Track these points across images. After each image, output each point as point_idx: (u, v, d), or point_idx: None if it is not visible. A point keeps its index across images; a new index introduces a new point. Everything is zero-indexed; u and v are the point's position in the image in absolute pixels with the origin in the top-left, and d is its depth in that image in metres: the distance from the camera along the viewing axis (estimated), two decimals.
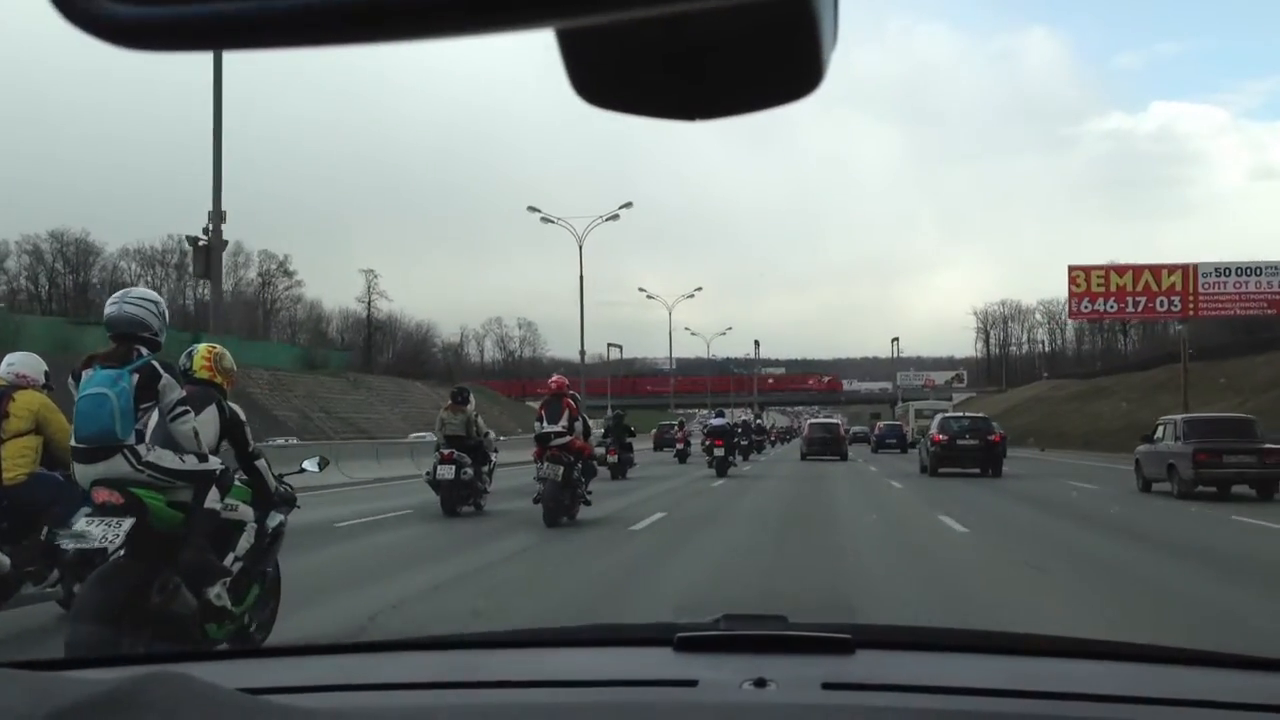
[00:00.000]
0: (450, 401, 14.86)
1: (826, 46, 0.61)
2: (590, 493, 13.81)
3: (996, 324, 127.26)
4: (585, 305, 47.19)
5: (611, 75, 0.63)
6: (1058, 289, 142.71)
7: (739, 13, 0.57)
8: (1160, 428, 20.14)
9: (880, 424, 60.79)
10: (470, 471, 14.08)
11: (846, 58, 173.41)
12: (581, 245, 47.56)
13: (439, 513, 13.96)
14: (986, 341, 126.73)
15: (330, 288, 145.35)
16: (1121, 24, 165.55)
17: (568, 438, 12.96)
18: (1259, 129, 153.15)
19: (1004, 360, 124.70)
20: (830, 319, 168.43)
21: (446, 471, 13.89)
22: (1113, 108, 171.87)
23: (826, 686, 1.47)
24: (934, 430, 27.82)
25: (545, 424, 13.12)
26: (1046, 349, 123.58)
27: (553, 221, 48.07)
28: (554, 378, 13.93)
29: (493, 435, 15.59)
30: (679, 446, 36.86)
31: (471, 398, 15.00)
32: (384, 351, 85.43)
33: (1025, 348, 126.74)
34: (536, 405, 14.30)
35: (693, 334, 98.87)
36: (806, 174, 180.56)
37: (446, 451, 14.08)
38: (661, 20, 0.57)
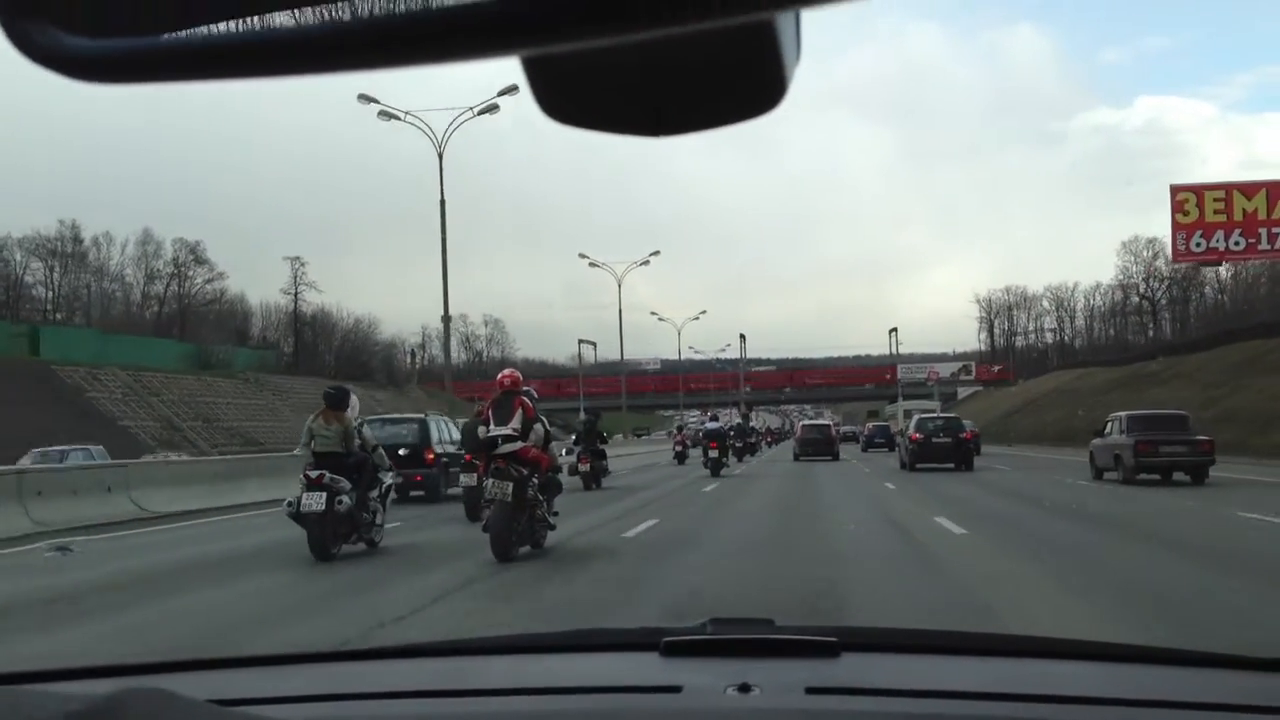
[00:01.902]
0: (324, 405, 11.61)
1: (789, 63, 0.62)
2: (555, 514, 11.42)
3: (1001, 312, 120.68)
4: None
5: (576, 94, 0.64)
6: (1060, 277, 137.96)
7: (702, 32, 0.56)
8: (1109, 423, 23.46)
9: (869, 425, 64.73)
10: (348, 499, 10.88)
11: (837, 58, 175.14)
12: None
13: (307, 556, 10.76)
14: (990, 331, 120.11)
15: (255, 280, 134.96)
16: (1106, 19, 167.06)
17: (519, 444, 10.45)
18: (1246, 121, 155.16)
19: (1010, 351, 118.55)
20: (824, 318, 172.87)
21: (314, 500, 10.69)
22: (1100, 102, 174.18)
23: (810, 691, 1.51)
24: (911, 430, 30.72)
25: (491, 427, 10.58)
26: (1056, 338, 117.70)
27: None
28: (504, 371, 11.49)
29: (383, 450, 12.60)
30: (677, 449, 38.45)
31: (354, 400, 11.90)
32: (319, 351, 73.91)
33: (1032, 337, 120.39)
34: (480, 407, 12.77)
35: (696, 352, 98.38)
36: (799, 174, 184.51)
37: (315, 474, 10.89)
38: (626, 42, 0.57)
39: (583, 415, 30.64)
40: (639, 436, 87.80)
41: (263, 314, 78.01)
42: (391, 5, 0.56)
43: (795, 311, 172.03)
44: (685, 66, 0.63)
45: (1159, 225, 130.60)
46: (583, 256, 52.33)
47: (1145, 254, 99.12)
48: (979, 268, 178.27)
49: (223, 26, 0.59)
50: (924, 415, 33.96)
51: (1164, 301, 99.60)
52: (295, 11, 0.59)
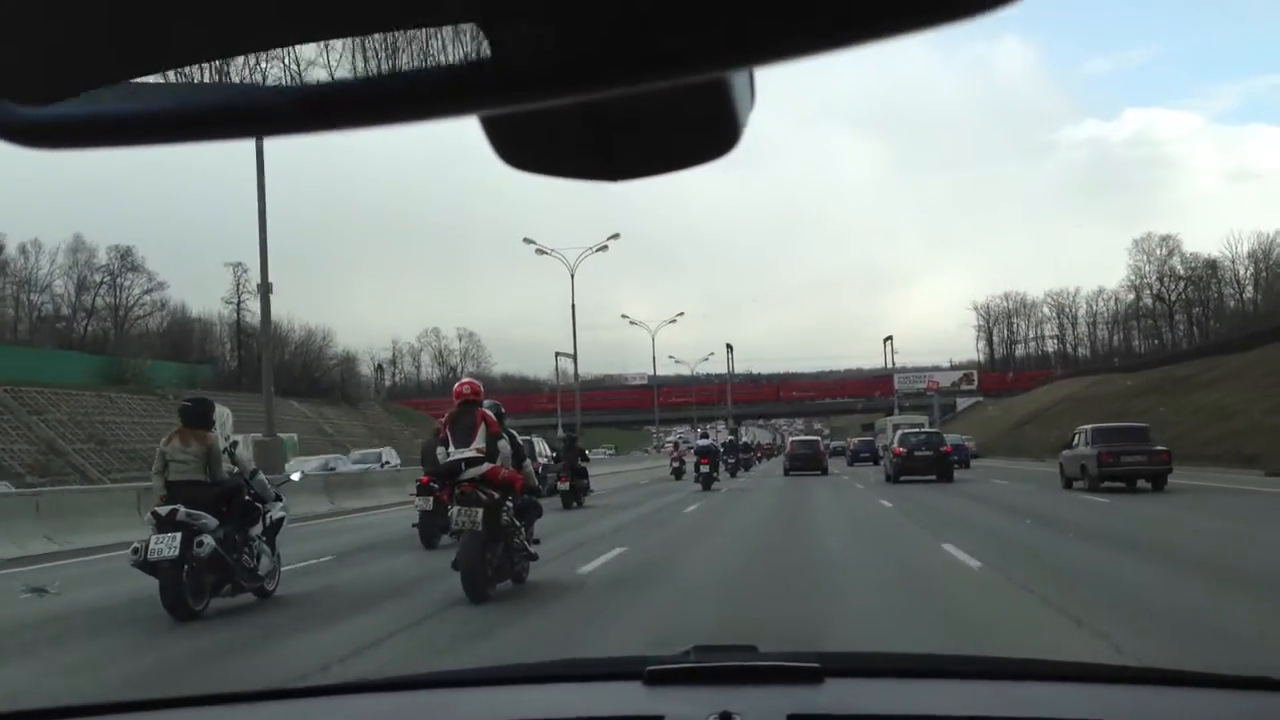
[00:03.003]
0: (180, 424, 9.51)
1: (742, 111, 0.65)
2: (537, 541, 10.36)
3: (1000, 320, 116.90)
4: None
5: (532, 141, 0.67)
6: (1057, 285, 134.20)
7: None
8: (1076, 436, 25.05)
9: (854, 440, 66.90)
10: (212, 540, 8.70)
11: (825, 71, 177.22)
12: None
13: (162, 615, 8.74)
14: (990, 340, 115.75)
15: (201, 290, 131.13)
16: (1090, 32, 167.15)
17: (485, 465, 9.20)
18: (1233, 132, 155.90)
19: (1010, 359, 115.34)
20: (817, 332, 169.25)
21: (166, 544, 8.60)
22: (1088, 114, 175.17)
23: (792, 718, 1.53)
24: (895, 445, 32.60)
25: (451, 448, 9.37)
26: (1058, 345, 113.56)
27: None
28: (462, 381, 10.10)
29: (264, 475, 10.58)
30: (675, 465, 39.34)
31: (223, 413, 9.69)
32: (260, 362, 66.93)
33: (1033, 345, 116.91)
34: (439, 424, 10.96)
35: (677, 361, 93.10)
36: (789, 187, 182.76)
37: (166, 510, 8.78)
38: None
39: (561, 432, 31.36)
40: (610, 454, 79.18)
41: (201, 326, 70.94)
42: (344, 71, 0.58)
43: (787, 324, 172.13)
44: (639, 116, 0.65)
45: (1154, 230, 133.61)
46: (528, 242, 49.28)
47: (1159, 252, 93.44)
48: (973, 279, 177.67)
49: (170, 92, 0.59)
50: (907, 430, 35.41)
51: (1179, 302, 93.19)
52: (256, 70, 0.60)
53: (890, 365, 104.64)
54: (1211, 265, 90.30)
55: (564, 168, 0.67)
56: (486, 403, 9.85)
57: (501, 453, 9.42)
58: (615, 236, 47.62)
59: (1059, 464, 26.29)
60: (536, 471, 11.86)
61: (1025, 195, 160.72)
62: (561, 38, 0.55)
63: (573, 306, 50.32)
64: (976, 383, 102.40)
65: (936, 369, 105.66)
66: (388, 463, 36.75)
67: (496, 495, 9.13)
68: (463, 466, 9.16)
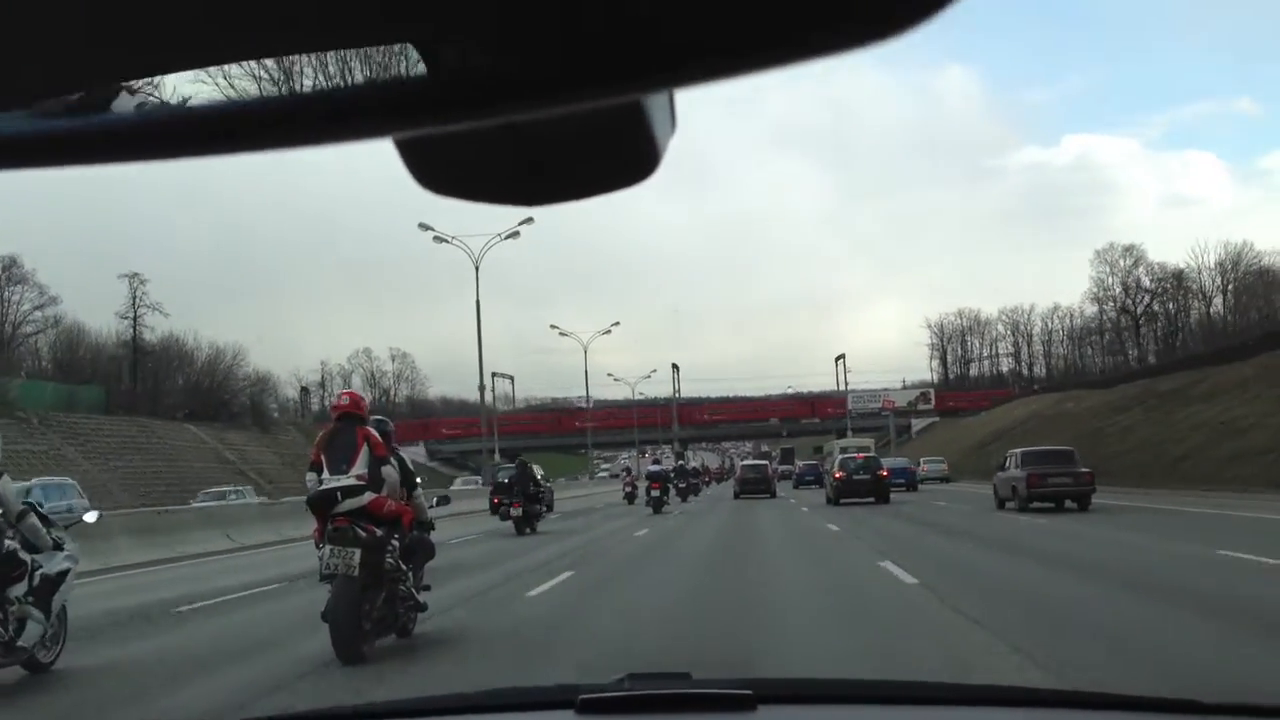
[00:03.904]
0: None
1: (661, 136, 0.66)
2: (427, 587, 9.13)
3: (954, 337, 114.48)
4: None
5: (449, 166, 0.67)
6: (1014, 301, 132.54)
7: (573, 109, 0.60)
8: (1008, 459, 26.51)
9: (801, 464, 68.27)
10: None
11: (771, 97, 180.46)
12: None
13: None
14: (944, 358, 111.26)
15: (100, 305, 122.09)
16: (1029, 61, 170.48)
17: (366, 495, 8.01)
18: (1168, 158, 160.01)
19: (964, 378, 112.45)
20: (767, 355, 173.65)
21: None
22: (1029, 141, 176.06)
23: None
24: (835, 469, 34.11)
25: (325, 474, 8.14)
26: (1014, 363, 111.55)
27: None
28: (342, 392, 9.64)
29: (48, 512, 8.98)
30: (627, 490, 40.66)
31: None
32: (164, 386, 60.46)
33: (988, 363, 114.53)
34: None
35: (615, 380, 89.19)
36: (738, 215, 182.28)
37: None
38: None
39: (497, 458, 32.80)
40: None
41: (93, 343, 64.25)
42: (258, 91, 0.58)
43: (736, 349, 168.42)
44: (557, 140, 0.65)
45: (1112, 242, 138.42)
46: (424, 228, 45.84)
47: (1122, 263, 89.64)
48: (923, 303, 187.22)
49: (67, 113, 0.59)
50: (846, 456, 37.12)
51: (1145, 315, 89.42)
52: (165, 89, 0.60)
53: (843, 385, 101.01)
54: (1178, 276, 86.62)
55: (481, 192, 0.67)
56: (372, 419, 8.68)
57: (388, 480, 8.27)
58: (528, 221, 44.58)
59: (993, 486, 27.79)
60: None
61: (972, 220, 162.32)
62: (476, 59, 0.55)
63: (477, 303, 45.84)
64: (933, 401, 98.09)
65: (889, 390, 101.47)
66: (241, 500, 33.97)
67: (379, 532, 8.00)
68: (338, 497, 7.97)
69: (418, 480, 9.34)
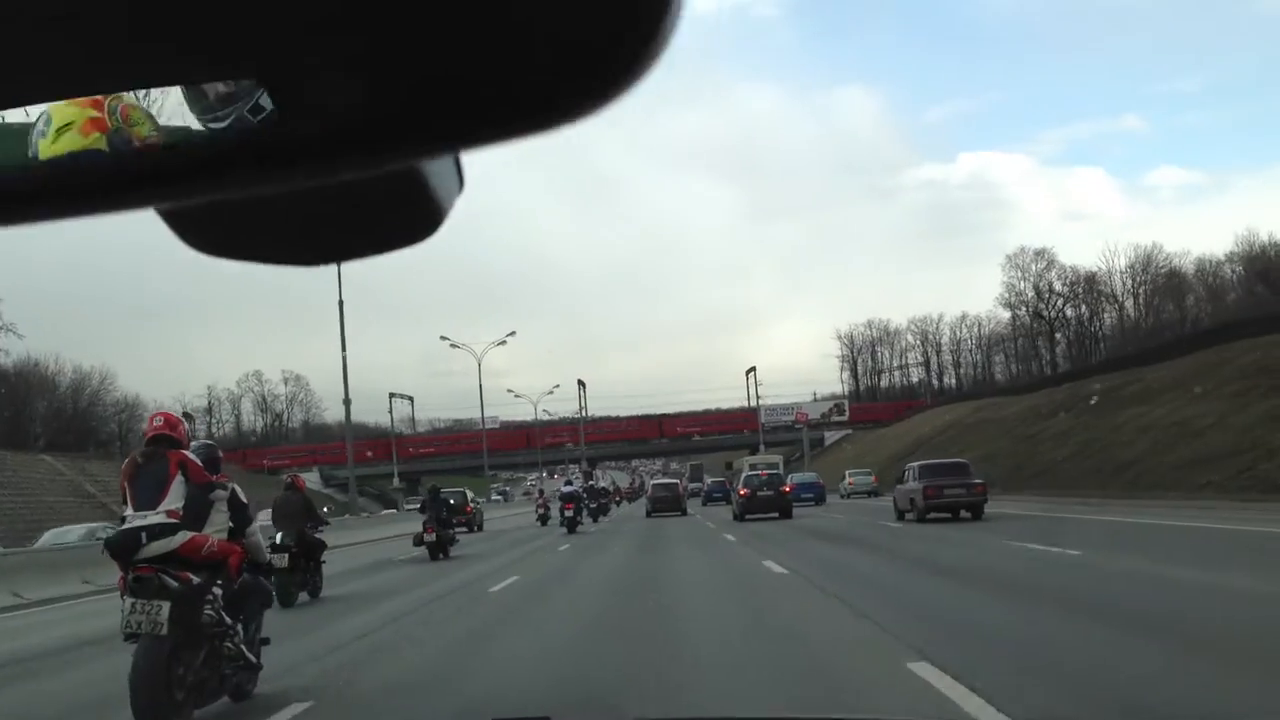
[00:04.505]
0: None
1: (444, 196, 0.67)
2: (265, 640, 7.90)
3: (864, 349, 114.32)
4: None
5: (227, 228, 0.67)
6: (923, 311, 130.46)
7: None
8: (906, 472, 27.60)
9: (709, 480, 68.91)
10: None
11: (674, 117, 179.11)
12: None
13: None
14: (854, 370, 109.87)
15: None
16: (925, 80, 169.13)
17: (181, 535, 6.81)
18: (1060, 175, 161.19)
19: (875, 389, 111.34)
20: (677, 373, 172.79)
21: None
22: (926, 159, 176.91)
23: None
24: (740, 487, 34.94)
25: (130, 509, 7.01)
26: (924, 372, 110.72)
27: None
28: (154, 414, 7.92)
29: None
30: (540, 511, 41.04)
31: None
32: (17, 414, 54.67)
33: (898, 374, 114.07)
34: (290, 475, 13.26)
35: (516, 396, 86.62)
36: (642, 234, 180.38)
37: None
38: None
39: (397, 481, 38.41)
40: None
41: None
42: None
43: (647, 367, 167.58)
44: (331, 201, 0.65)
45: (992, 276, 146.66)
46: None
47: (1034, 267, 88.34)
48: (831, 317, 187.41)
49: None
50: (750, 474, 37.80)
51: (1058, 319, 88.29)
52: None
53: (754, 399, 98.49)
54: (1090, 279, 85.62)
55: (264, 253, 0.67)
56: (199, 445, 7.70)
57: (214, 517, 7.25)
58: (513, 333, 45.37)
59: (893, 498, 28.78)
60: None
61: (877, 235, 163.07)
62: (243, 128, 0.56)
63: (340, 302, 41.12)
64: (847, 413, 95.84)
65: (801, 404, 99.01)
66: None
67: (195, 579, 6.78)
68: (142, 539, 6.68)
69: (254, 517, 8.08)
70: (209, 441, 8.39)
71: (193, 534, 6.81)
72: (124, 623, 6.60)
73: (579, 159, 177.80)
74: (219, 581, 7.10)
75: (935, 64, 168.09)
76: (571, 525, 32.45)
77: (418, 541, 22.96)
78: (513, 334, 65.14)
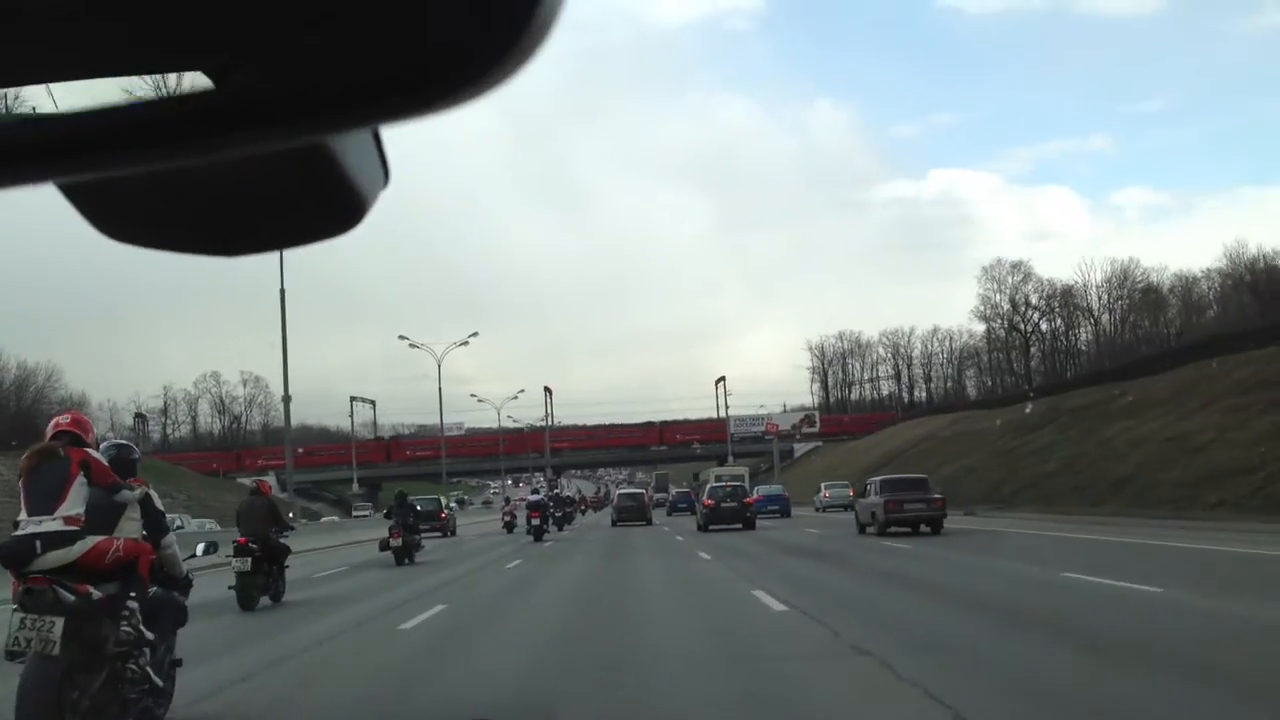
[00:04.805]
0: None
1: (366, 185, 0.66)
2: (178, 662, 7.11)
3: (835, 361, 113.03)
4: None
5: (139, 215, 0.66)
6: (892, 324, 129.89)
7: (262, 158, 0.59)
8: (868, 486, 28.20)
9: (674, 491, 70.27)
10: None
11: (648, 128, 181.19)
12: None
13: None
14: (824, 382, 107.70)
15: None
16: (894, 96, 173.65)
17: (83, 543, 6.18)
18: (1028, 193, 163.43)
19: (845, 402, 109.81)
20: (645, 382, 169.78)
21: None
22: (897, 174, 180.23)
23: None
24: (705, 497, 35.66)
25: (24, 517, 6.37)
26: (895, 385, 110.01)
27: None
28: (63, 412, 7.23)
29: None
30: (506, 519, 41.81)
31: None
32: None
33: (869, 387, 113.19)
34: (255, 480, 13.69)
35: (479, 400, 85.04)
36: (616, 242, 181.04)
37: None
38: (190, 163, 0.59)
39: (356, 487, 40.15)
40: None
41: None
42: None
43: (617, 377, 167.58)
44: (247, 189, 0.64)
45: (960, 293, 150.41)
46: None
47: (1010, 279, 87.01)
48: (801, 329, 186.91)
49: None
50: (715, 485, 37.78)
51: (1034, 334, 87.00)
52: None
53: (723, 409, 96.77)
54: (1068, 292, 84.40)
55: (173, 240, 0.66)
56: (107, 444, 7.23)
57: (122, 519, 6.35)
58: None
59: (855, 511, 29.57)
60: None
61: (848, 249, 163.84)
62: (149, 100, 0.54)
63: (281, 291, 38.67)
64: (818, 425, 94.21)
65: (771, 415, 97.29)
66: None
67: (96, 593, 6.06)
68: (36, 548, 5.98)
69: (172, 527, 7.31)
70: (123, 441, 8.06)
71: (97, 539, 6.18)
72: (9, 639, 6.01)
73: (554, 168, 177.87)
74: (129, 594, 6.38)
75: (904, 80, 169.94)
76: (538, 534, 32.47)
77: (383, 546, 23.22)
78: (475, 335, 62.52)
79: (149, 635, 6.54)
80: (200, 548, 8.46)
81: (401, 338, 61.20)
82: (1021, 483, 40.17)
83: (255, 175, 0.62)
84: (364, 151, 0.65)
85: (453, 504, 49.84)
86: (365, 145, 0.65)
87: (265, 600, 14.25)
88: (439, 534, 38.23)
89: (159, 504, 6.99)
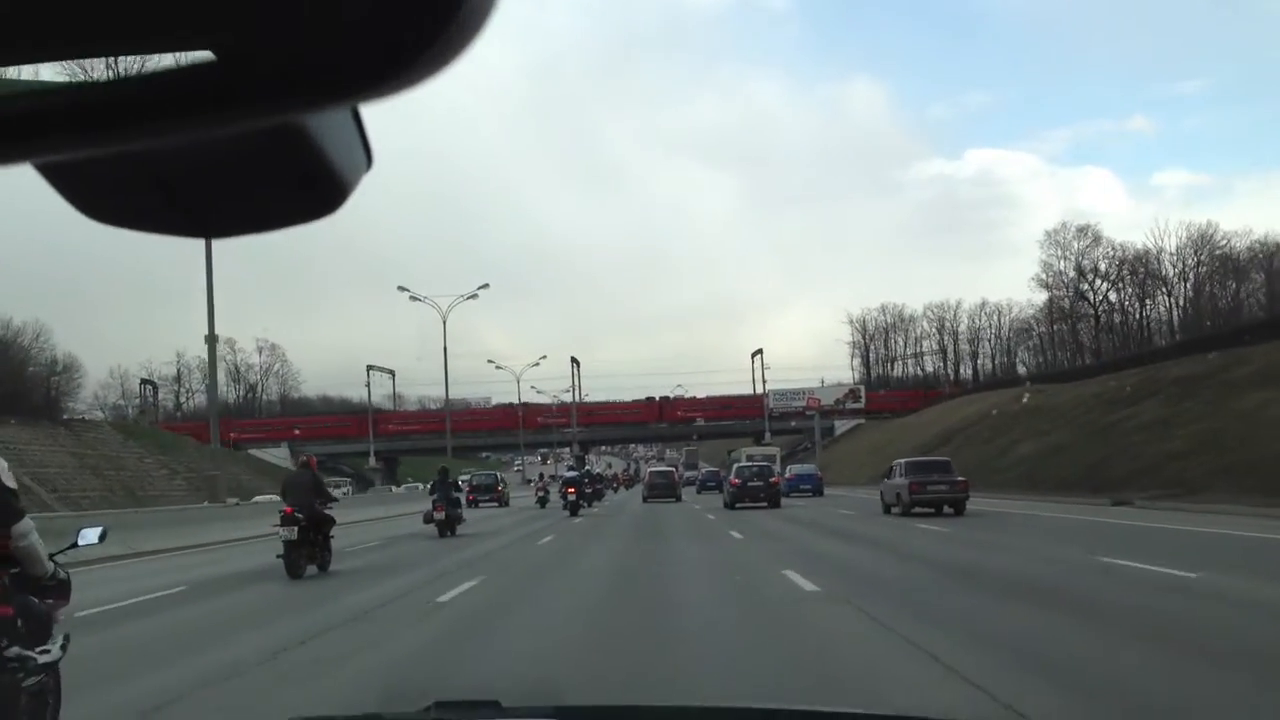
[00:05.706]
0: None
1: (346, 169, 0.66)
2: (49, 657, 5.49)
3: (877, 335, 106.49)
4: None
5: (113, 195, 0.66)
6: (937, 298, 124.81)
7: (241, 140, 0.60)
8: (893, 468, 28.64)
9: (704, 469, 71.87)
10: None
11: (681, 105, 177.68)
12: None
13: None
14: (865, 358, 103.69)
15: None
16: (932, 75, 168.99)
17: None
18: (1067, 173, 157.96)
19: (886, 379, 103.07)
20: (679, 359, 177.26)
21: None
22: (934, 153, 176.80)
23: None
24: (731, 476, 37.49)
25: None
26: (940, 362, 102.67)
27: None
28: None
29: None
30: (540, 494, 42.95)
31: None
32: None
33: (910, 363, 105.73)
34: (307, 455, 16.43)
35: (539, 393, 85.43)
36: (648, 220, 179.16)
37: None
38: (165, 146, 0.59)
39: (373, 461, 46.07)
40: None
41: None
42: None
43: (651, 353, 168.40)
44: (226, 170, 0.64)
45: (996, 272, 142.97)
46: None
47: (1076, 244, 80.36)
48: (838, 306, 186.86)
49: None
50: (742, 464, 39.94)
51: (1103, 304, 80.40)
52: None
53: (760, 383, 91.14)
54: (1144, 257, 77.46)
55: (152, 222, 0.66)
56: None
57: None
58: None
59: (880, 492, 30.03)
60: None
61: (882, 229, 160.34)
62: (127, 82, 0.54)
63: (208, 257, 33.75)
64: (863, 400, 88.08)
65: (812, 389, 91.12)
66: None
67: None
68: None
69: (25, 512, 5.13)
70: None
71: None
72: None
73: (587, 146, 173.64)
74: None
75: (941, 59, 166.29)
76: (574, 509, 33.67)
77: (427, 519, 24.57)
78: (485, 286, 56.59)
79: (31, 655, 4.84)
80: (85, 535, 6.07)
81: (401, 289, 55.12)
82: (1136, 464, 34.10)
83: (233, 157, 0.61)
84: (344, 134, 0.64)
85: (503, 479, 53.52)
86: (346, 127, 0.64)
87: (312, 569, 14.96)
88: (495, 504, 45.49)
89: (9, 482, 5.02)
